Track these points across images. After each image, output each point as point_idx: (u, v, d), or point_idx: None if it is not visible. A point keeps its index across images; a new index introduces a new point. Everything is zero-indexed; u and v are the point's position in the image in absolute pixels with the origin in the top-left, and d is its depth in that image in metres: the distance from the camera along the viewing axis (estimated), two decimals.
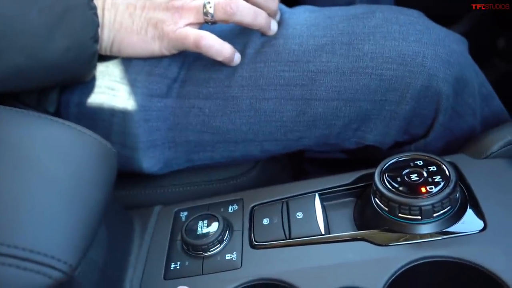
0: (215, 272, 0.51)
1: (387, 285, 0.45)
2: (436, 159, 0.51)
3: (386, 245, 0.48)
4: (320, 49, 0.60)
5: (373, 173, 0.51)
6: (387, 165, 0.52)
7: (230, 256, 0.52)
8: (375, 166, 0.52)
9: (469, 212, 0.49)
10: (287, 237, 0.52)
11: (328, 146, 0.65)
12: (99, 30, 0.57)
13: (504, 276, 0.42)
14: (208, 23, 0.60)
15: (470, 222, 0.48)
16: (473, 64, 0.63)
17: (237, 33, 0.64)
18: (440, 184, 0.48)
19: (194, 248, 0.52)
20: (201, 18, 0.59)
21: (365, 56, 0.58)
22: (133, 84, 0.61)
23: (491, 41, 1.08)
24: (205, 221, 0.54)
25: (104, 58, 0.63)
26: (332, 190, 0.56)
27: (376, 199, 0.50)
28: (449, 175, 0.49)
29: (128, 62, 0.62)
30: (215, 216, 0.54)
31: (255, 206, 0.57)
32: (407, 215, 0.48)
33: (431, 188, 0.48)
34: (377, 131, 0.62)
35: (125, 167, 0.62)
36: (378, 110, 0.60)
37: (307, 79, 0.60)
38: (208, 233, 0.53)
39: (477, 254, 0.44)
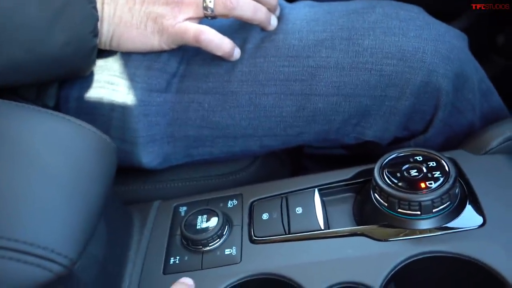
0: (215, 267, 0.51)
1: (386, 280, 0.45)
2: (435, 155, 0.51)
3: (386, 240, 0.48)
4: (320, 44, 0.60)
5: (373, 169, 0.51)
6: (386, 160, 0.52)
7: (230, 251, 0.52)
8: (375, 162, 0.52)
9: (468, 208, 0.49)
10: (287, 232, 0.52)
11: (328, 141, 0.65)
12: (99, 24, 0.57)
13: (503, 271, 0.42)
14: (208, 18, 0.60)
15: (469, 217, 0.48)
16: (473, 60, 0.63)
17: (237, 28, 0.64)
18: (439, 179, 0.48)
19: (194, 243, 0.52)
20: (200, 13, 0.59)
21: (365, 51, 0.58)
22: (132, 78, 0.61)
23: (490, 37, 1.08)
24: (205, 216, 0.54)
25: (104, 52, 0.62)
26: (332, 185, 0.56)
27: (376, 195, 0.50)
28: (448, 170, 0.49)
29: (128, 57, 0.62)
30: (215, 211, 0.54)
31: (254, 201, 0.57)
32: (406, 210, 0.48)
33: (431, 184, 0.48)
34: (377, 126, 0.62)
35: (124, 162, 0.62)
36: (377, 105, 0.60)
37: (306, 74, 0.60)
38: (207, 228, 0.53)
39: (476, 249, 0.44)
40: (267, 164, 0.72)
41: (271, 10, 0.62)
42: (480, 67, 0.64)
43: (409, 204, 0.47)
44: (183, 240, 0.54)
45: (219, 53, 0.60)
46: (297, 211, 0.54)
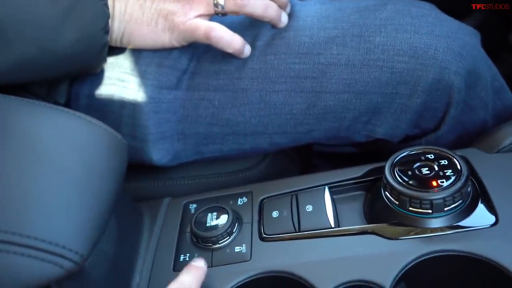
0: (224, 264, 0.51)
1: (396, 279, 0.45)
2: (447, 153, 0.51)
3: (396, 239, 0.48)
4: (331, 41, 0.59)
5: (384, 167, 0.51)
6: (397, 158, 0.52)
7: (239, 248, 0.52)
8: (385, 160, 0.52)
9: (481, 207, 0.48)
10: (297, 230, 0.52)
11: (338, 139, 0.65)
12: (110, 21, 0.57)
13: None
14: (219, 15, 0.60)
15: (481, 216, 0.47)
16: (486, 57, 0.62)
17: (248, 25, 0.64)
18: (451, 178, 0.48)
19: (203, 240, 0.53)
20: (211, 10, 0.59)
21: (376, 48, 0.58)
22: (143, 75, 0.61)
23: (502, 35, 1.07)
24: (214, 214, 0.54)
25: (114, 49, 0.63)
26: (342, 183, 0.56)
27: (387, 193, 0.50)
28: (460, 169, 0.48)
29: (138, 54, 0.62)
30: (224, 209, 0.54)
31: (264, 198, 0.57)
32: (417, 208, 0.47)
33: (442, 182, 0.48)
34: (388, 124, 0.61)
35: (134, 158, 0.62)
36: (388, 103, 0.59)
37: (317, 72, 0.59)
38: (217, 225, 0.53)
39: (488, 248, 0.44)
40: (277, 161, 0.72)
41: (281, 7, 0.62)
42: (493, 64, 0.64)
43: (421, 203, 0.47)
44: (193, 238, 0.54)
45: (229, 50, 0.60)
46: (307, 209, 0.53)
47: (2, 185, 0.39)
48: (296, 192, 0.56)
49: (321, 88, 0.59)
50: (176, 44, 0.61)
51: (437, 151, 0.51)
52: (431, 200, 0.46)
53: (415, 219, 0.48)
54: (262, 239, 0.52)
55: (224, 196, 0.59)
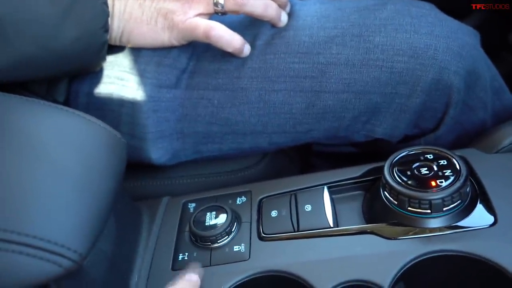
0: (223, 264, 0.51)
1: (395, 279, 0.45)
2: (446, 153, 0.51)
3: (395, 238, 0.48)
4: (331, 41, 0.59)
5: (383, 167, 0.51)
6: (396, 158, 0.52)
7: (238, 247, 0.52)
8: (384, 159, 0.52)
9: (479, 207, 0.48)
10: (296, 230, 0.52)
11: (337, 139, 0.65)
12: (109, 20, 0.57)
13: None
14: (218, 14, 0.60)
15: (480, 216, 0.47)
16: (485, 57, 0.62)
17: (247, 24, 0.64)
18: (450, 178, 0.48)
19: (202, 239, 0.52)
20: (211, 9, 0.59)
21: (376, 48, 0.58)
22: (142, 74, 0.61)
23: (502, 35, 1.07)
24: (213, 213, 0.54)
25: (114, 48, 0.63)
26: (341, 183, 0.56)
27: (385, 193, 0.50)
28: (459, 169, 0.49)
29: (138, 53, 0.62)
30: (223, 208, 0.54)
31: (263, 198, 0.57)
32: (416, 208, 0.47)
33: (441, 182, 0.48)
34: (387, 124, 0.61)
35: (133, 157, 0.62)
36: (388, 103, 0.59)
37: (317, 71, 0.59)
38: (216, 224, 0.53)
39: (487, 248, 0.44)
40: (276, 161, 0.72)
41: (281, 6, 0.62)
42: (492, 64, 0.64)
43: (419, 203, 0.47)
44: (191, 237, 0.54)
45: (229, 49, 0.60)
46: (306, 208, 0.53)
47: (1, 183, 0.39)
48: (295, 192, 0.56)
49: (321, 87, 0.59)
50: (175, 43, 0.61)
51: (436, 151, 0.51)
52: (430, 200, 0.46)
53: (414, 219, 0.48)
54: (261, 238, 0.52)
55: (223, 195, 0.59)
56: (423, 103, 0.59)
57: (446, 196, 0.46)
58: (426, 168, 0.50)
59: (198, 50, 0.64)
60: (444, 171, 0.49)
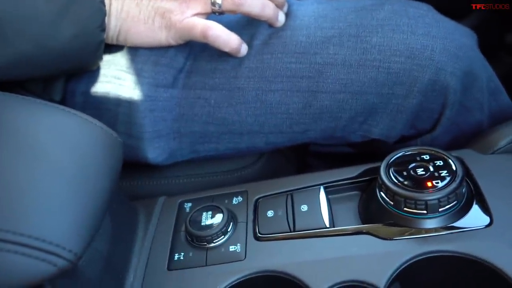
0: (219, 264, 0.50)
1: (391, 279, 0.45)
2: (442, 154, 0.51)
3: (391, 239, 0.48)
4: (328, 41, 0.59)
5: (379, 167, 0.51)
6: (393, 159, 0.52)
7: (234, 247, 0.51)
8: (381, 160, 0.52)
9: (475, 208, 0.48)
10: (292, 230, 0.52)
11: (334, 139, 0.65)
12: (106, 19, 0.57)
13: (510, 272, 0.42)
14: (216, 14, 0.60)
15: (476, 217, 0.47)
16: (482, 58, 0.62)
17: (245, 24, 0.64)
18: (446, 178, 0.48)
19: (198, 239, 0.52)
20: (208, 8, 0.59)
21: (373, 48, 0.58)
22: (139, 74, 0.61)
23: (499, 36, 1.07)
24: (209, 213, 0.54)
25: (111, 47, 0.62)
26: (337, 183, 0.56)
27: (382, 193, 0.50)
28: (455, 169, 0.49)
29: (135, 52, 0.62)
30: (220, 208, 0.54)
31: (259, 198, 0.57)
32: (412, 209, 0.47)
33: (437, 183, 0.48)
34: (383, 124, 0.61)
35: (130, 157, 0.62)
36: (384, 103, 0.59)
37: (314, 71, 0.59)
38: (212, 224, 0.53)
39: (483, 249, 0.44)
40: (273, 161, 0.72)
41: (279, 6, 0.62)
42: (489, 65, 0.64)
43: (415, 203, 0.47)
44: (187, 236, 0.54)
45: (226, 49, 0.60)
46: (302, 208, 0.53)
47: None
48: (291, 192, 0.56)
49: (317, 87, 0.59)
50: (172, 42, 0.61)
51: (433, 152, 0.52)
52: (426, 201, 0.46)
53: (409, 219, 0.48)
54: (257, 238, 0.52)
55: (219, 195, 0.59)
56: (419, 104, 0.59)
57: (442, 197, 0.46)
58: (422, 169, 0.50)
59: (195, 49, 0.64)
60: (440, 171, 0.49)
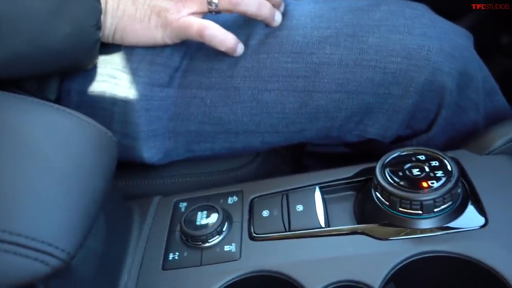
0: (214, 263, 0.50)
1: (386, 279, 0.45)
2: (438, 154, 0.51)
3: (386, 239, 0.47)
4: (324, 41, 0.59)
5: (375, 167, 0.51)
6: (388, 159, 0.52)
7: (229, 247, 0.51)
8: (377, 160, 0.52)
9: (470, 208, 0.48)
10: (287, 230, 0.52)
11: (330, 139, 0.65)
12: (102, 17, 0.57)
13: (505, 272, 0.42)
14: (212, 13, 0.60)
15: (471, 217, 0.47)
16: (478, 58, 0.62)
17: (241, 24, 0.64)
18: (441, 179, 0.48)
19: (193, 239, 0.52)
20: (205, 8, 0.59)
21: (369, 48, 0.58)
22: (135, 73, 0.61)
23: (495, 37, 1.07)
24: (205, 212, 0.54)
25: (106, 46, 0.62)
26: (333, 183, 0.56)
27: (377, 193, 0.50)
28: (451, 170, 0.49)
29: (130, 51, 0.62)
30: (215, 207, 0.54)
31: (255, 198, 0.57)
32: (408, 209, 0.47)
33: (433, 183, 0.48)
34: (379, 124, 0.61)
35: (125, 156, 0.62)
36: (381, 103, 0.59)
37: (310, 71, 0.59)
38: (207, 224, 0.53)
39: (477, 249, 0.44)
40: (269, 161, 0.72)
41: (275, 6, 0.62)
42: (485, 66, 0.64)
43: (411, 203, 0.47)
44: (182, 236, 0.54)
45: (222, 49, 0.60)
46: (298, 208, 0.53)
47: None
48: (286, 192, 0.56)
49: (314, 87, 0.59)
50: (168, 41, 0.61)
51: (428, 152, 0.52)
52: (421, 201, 0.46)
53: (405, 219, 0.48)
54: (252, 238, 0.52)
55: (214, 195, 0.59)
56: (415, 104, 0.59)
57: (437, 197, 0.46)
58: (417, 169, 0.50)
59: (191, 49, 0.64)
60: (436, 172, 0.49)
